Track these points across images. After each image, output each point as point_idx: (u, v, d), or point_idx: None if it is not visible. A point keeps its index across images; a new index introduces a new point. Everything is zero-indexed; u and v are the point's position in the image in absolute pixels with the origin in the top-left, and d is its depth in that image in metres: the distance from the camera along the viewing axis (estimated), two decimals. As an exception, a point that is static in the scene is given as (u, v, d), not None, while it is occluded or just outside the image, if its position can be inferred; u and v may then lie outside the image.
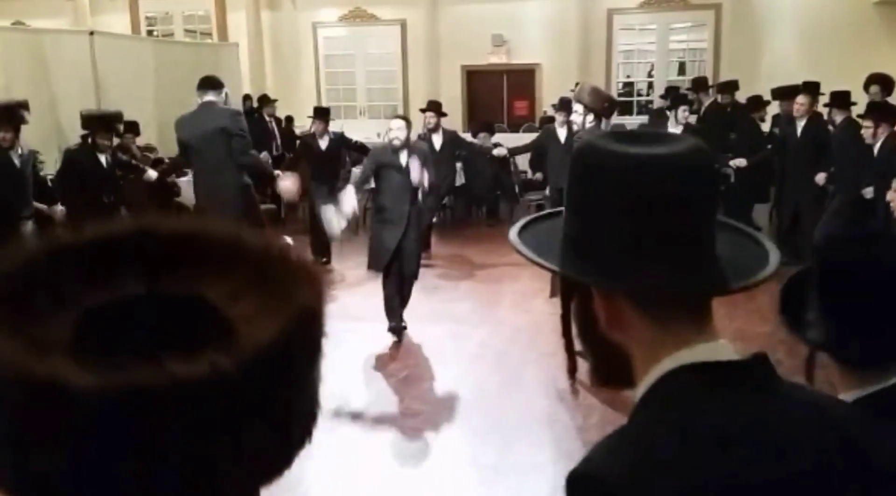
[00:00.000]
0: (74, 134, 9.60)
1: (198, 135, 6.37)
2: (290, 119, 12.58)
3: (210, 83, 6.61)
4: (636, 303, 0.95)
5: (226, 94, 6.78)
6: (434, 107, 9.97)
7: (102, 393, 0.53)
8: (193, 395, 0.55)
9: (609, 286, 0.96)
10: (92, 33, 10.54)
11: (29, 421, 0.55)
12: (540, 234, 1.07)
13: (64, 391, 0.53)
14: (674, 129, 8.60)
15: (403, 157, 6.28)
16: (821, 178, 8.00)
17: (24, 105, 7.68)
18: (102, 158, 7.70)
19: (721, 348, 0.96)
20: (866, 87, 9.31)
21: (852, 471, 0.94)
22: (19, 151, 7.29)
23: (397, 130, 6.25)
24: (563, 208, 1.05)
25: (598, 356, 1.05)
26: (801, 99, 8.32)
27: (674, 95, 10.05)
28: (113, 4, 15.52)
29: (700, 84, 11.02)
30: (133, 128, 9.44)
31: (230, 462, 0.59)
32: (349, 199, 6.17)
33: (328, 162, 9.01)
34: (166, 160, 9.02)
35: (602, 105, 6.36)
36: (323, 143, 9.01)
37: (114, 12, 15.43)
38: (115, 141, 8.12)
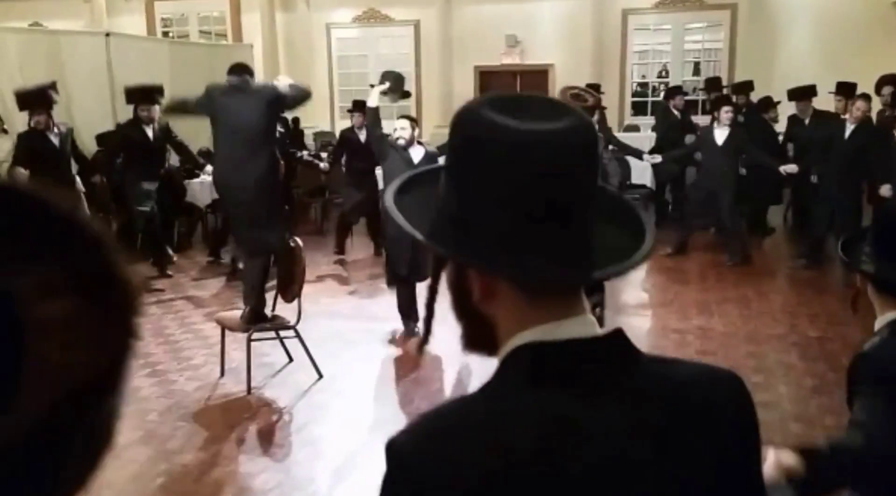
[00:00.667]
0: (90, 133, 9.68)
1: (233, 110, 6.11)
2: (296, 120, 12.55)
3: (244, 68, 6.46)
4: (511, 283, 0.95)
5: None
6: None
7: None
8: None
9: (484, 270, 0.95)
10: (108, 35, 10.60)
11: None
12: (418, 198, 1.05)
13: None
14: (720, 131, 8.51)
15: (414, 155, 6.32)
16: (886, 189, 7.50)
17: (52, 86, 7.89)
18: (149, 131, 8.05)
19: (577, 325, 0.95)
20: (878, 88, 9.21)
21: (681, 431, 0.93)
22: (55, 131, 7.57)
23: (401, 130, 6.34)
24: (442, 165, 1.03)
25: (468, 325, 1.07)
26: (860, 104, 8.00)
27: (716, 96, 9.97)
28: (129, 6, 15.62)
29: (713, 84, 10.96)
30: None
31: None
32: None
33: (365, 155, 9.06)
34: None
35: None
36: (362, 136, 9.17)
37: (130, 14, 15.53)
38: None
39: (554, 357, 0.93)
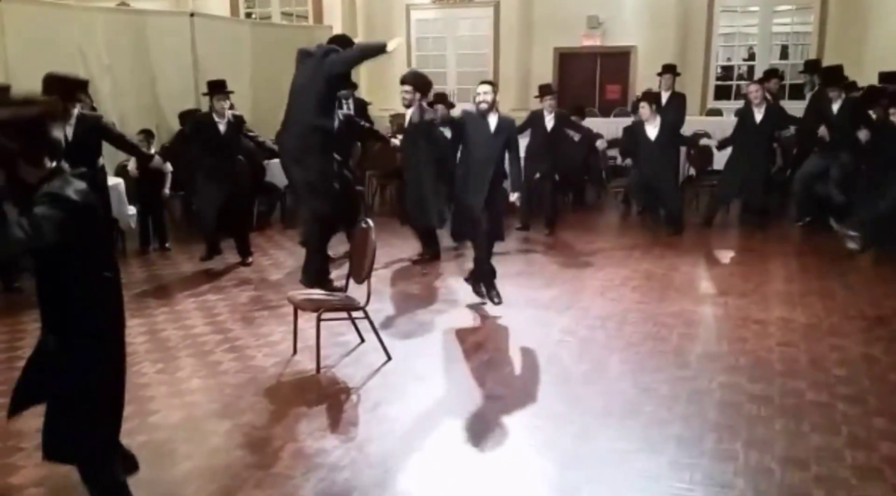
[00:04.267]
0: (173, 112, 9.90)
1: (297, 73, 6.16)
2: (363, 104, 12.51)
3: (338, 39, 6.42)
4: None
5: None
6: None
7: None
8: None
9: None
10: (192, 15, 10.81)
11: None
12: None
13: None
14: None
15: (492, 123, 6.40)
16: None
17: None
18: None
19: None
20: None
21: None
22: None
23: (484, 94, 6.42)
24: None
25: None
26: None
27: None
28: (213, -14, 15.90)
29: (814, 67, 10.66)
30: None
31: None
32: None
33: (220, 147, 8.16)
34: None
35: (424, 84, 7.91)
36: (221, 126, 8.13)
37: (214, -6, 15.82)
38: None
39: None
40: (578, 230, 9.74)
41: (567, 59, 14.53)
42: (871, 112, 8.99)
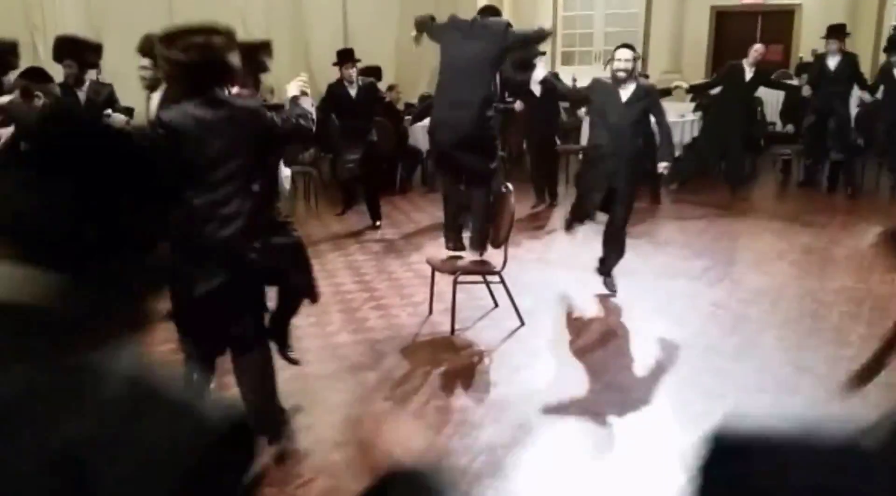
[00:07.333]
0: (324, 77, 10.15)
1: (459, 45, 5.72)
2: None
3: (492, 10, 6.34)
4: None
5: None
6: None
7: None
8: None
9: None
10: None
11: None
12: None
13: None
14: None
15: (627, 92, 5.70)
16: None
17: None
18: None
19: None
20: None
21: None
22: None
23: (625, 61, 5.65)
24: None
25: None
26: None
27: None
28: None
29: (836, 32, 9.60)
30: (376, 72, 9.79)
31: None
32: None
33: (355, 112, 8.46)
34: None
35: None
36: (352, 91, 8.44)
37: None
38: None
39: None
40: (732, 199, 9.35)
41: (725, 18, 13.86)
42: None
